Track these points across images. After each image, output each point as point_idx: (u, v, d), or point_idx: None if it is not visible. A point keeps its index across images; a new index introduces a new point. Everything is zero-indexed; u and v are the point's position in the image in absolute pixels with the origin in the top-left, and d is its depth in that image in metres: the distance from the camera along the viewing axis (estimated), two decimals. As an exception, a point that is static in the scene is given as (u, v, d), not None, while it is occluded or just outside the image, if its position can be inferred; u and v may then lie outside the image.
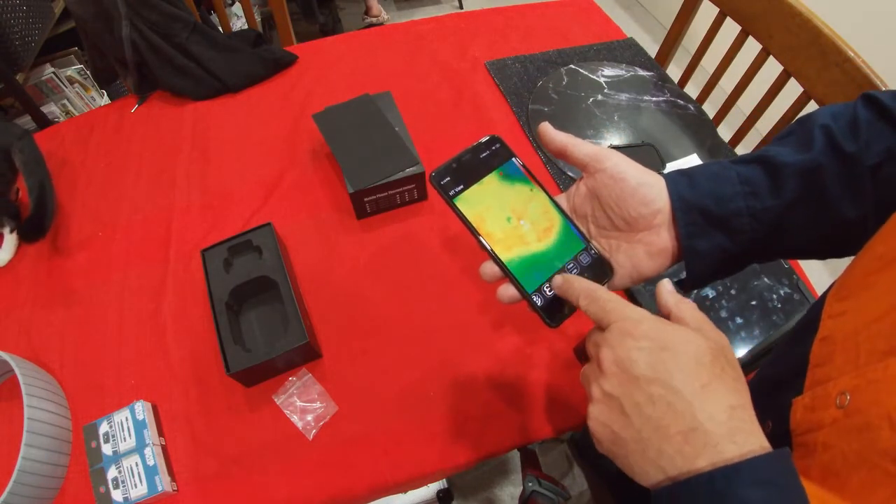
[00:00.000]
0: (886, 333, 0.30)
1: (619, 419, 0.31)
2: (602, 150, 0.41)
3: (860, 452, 0.29)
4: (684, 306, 0.34)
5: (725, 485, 0.26)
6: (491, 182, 0.40)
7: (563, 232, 0.40)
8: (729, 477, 0.27)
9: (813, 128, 0.40)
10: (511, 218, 0.40)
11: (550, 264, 0.39)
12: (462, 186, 0.40)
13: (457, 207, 0.39)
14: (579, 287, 0.36)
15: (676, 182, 0.40)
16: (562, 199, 0.44)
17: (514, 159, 0.42)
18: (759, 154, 0.41)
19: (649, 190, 0.39)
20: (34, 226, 0.75)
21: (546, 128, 0.42)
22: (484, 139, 0.42)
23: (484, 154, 0.41)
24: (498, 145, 0.42)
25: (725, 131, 0.97)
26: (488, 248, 0.39)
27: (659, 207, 0.39)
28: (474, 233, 0.39)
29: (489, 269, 0.39)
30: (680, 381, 0.29)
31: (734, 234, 0.40)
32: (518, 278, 0.38)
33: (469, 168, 0.40)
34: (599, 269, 0.40)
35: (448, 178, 0.40)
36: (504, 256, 0.39)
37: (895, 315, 0.30)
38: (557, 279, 0.39)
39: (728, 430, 0.28)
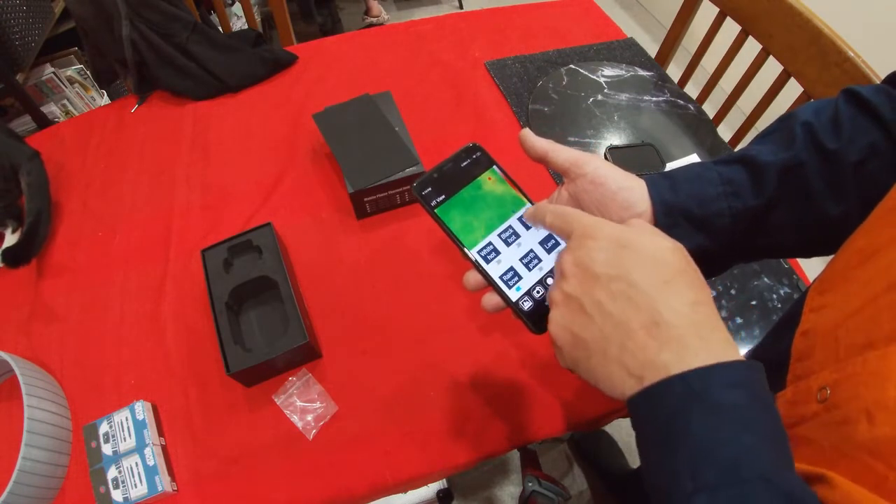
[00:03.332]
0: (865, 327, 0.30)
1: (580, 319, 0.31)
2: (582, 155, 0.40)
3: (839, 447, 0.29)
4: (635, 220, 0.34)
5: (701, 385, 0.26)
6: (472, 191, 0.40)
7: (545, 238, 0.40)
8: (703, 377, 0.26)
9: (795, 125, 0.40)
10: (493, 226, 0.40)
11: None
12: (444, 196, 0.40)
13: (439, 218, 0.39)
14: (545, 208, 0.37)
15: (657, 185, 0.40)
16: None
17: (494, 167, 0.42)
18: (740, 154, 0.41)
19: (630, 194, 0.39)
20: (20, 253, 0.74)
21: (526, 134, 0.42)
22: (464, 147, 0.41)
23: (465, 163, 0.41)
24: (479, 153, 0.41)
25: (725, 131, 0.97)
26: (471, 257, 0.39)
27: (640, 211, 0.39)
28: (457, 242, 0.39)
29: (472, 278, 0.39)
30: (640, 277, 0.29)
31: (716, 235, 0.39)
32: (501, 286, 0.38)
33: (450, 177, 0.40)
34: None
35: (430, 189, 0.39)
36: (487, 265, 0.39)
37: (873, 308, 0.30)
38: (529, 210, 0.39)
39: (692, 323, 0.28)
